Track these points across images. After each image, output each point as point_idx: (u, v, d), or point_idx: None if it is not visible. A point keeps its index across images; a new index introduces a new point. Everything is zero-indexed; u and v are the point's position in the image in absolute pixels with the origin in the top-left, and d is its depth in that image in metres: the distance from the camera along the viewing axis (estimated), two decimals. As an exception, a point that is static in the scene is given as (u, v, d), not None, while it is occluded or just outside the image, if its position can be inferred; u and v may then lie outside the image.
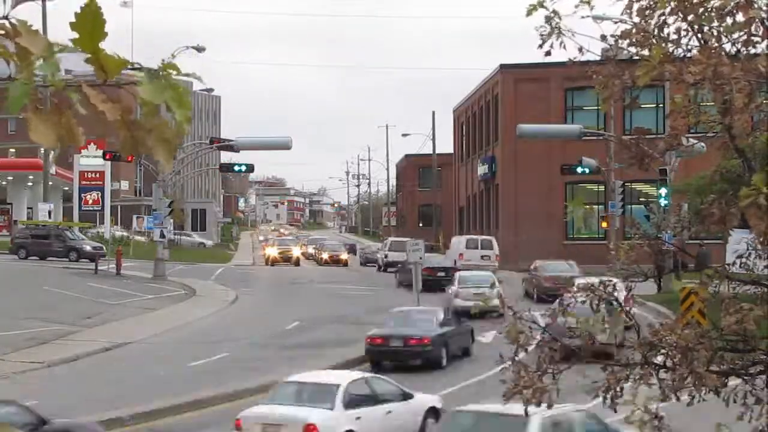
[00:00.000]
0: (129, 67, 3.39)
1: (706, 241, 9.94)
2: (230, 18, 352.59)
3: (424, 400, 24.65)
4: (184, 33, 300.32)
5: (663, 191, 49.12)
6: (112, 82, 3.34)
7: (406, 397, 23.89)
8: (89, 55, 3.26)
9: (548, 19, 8.37)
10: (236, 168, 65.82)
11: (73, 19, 3.24)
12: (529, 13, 8.32)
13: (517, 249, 75.11)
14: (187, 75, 3.42)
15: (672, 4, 8.13)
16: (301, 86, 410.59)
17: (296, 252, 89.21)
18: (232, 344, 37.51)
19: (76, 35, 3.26)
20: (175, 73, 3.33)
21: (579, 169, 58.42)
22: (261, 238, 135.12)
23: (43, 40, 3.25)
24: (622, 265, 9.12)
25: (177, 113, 3.32)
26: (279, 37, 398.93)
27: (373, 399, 22.98)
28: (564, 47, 8.42)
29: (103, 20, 3.24)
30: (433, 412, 24.14)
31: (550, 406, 8.55)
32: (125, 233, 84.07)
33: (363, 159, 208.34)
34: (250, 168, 65.20)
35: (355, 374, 24.45)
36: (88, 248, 68.59)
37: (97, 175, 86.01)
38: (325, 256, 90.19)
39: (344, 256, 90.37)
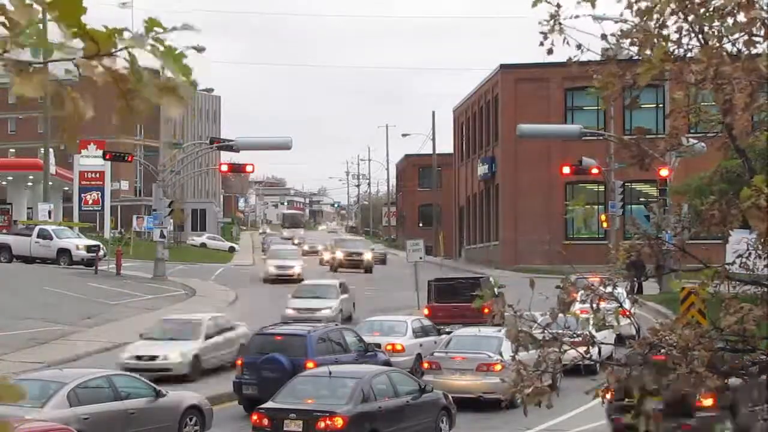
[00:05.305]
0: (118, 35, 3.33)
1: (706, 241, 9.89)
2: (230, 17, 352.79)
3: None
4: (184, 32, 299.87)
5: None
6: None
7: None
8: (76, 30, 3.23)
9: (552, 16, 8.38)
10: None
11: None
12: (534, 4, 8.33)
13: (516, 249, 75.16)
14: (181, 27, 3.36)
15: (673, 4, 8.13)
16: (301, 86, 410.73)
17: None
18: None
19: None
20: (161, 30, 3.29)
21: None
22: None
23: (32, 10, 3.21)
24: (621, 265, 9.10)
25: (173, 67, 3.27)
26: (279, 36, 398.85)
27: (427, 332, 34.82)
28: (567, 43, 8.42)
29: None
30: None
31: None
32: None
33: (363, 159, 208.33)
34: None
35: (414, 316, 37.71)
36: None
37: (97, 175, 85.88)
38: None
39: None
